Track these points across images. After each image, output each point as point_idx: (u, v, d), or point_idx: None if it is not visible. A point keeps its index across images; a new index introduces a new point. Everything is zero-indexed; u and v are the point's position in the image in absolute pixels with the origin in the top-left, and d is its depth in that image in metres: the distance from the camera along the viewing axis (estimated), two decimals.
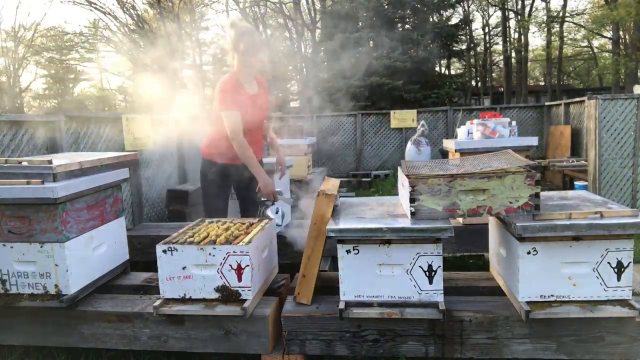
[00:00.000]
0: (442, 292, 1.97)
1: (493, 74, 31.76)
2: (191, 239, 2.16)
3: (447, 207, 1.95)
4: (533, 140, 3.37)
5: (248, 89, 2.69)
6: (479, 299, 2.14)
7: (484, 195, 1.93)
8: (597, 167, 4.98)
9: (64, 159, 2.32)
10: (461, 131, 3.91)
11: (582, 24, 22.74)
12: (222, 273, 2.04)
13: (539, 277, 1.91)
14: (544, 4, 22.50)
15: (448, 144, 3.55)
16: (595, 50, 27.38)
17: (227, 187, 2.83)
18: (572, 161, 6.52)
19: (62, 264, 2.12)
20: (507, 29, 25.18)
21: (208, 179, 2.75)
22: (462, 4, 21.35)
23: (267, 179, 2.60)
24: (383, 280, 1.98)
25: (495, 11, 28.15)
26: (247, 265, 2.03)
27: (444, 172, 2.04)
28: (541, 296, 1.92)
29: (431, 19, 14.88)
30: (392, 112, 10.59)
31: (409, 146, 7.27)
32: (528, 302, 1.91)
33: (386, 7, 14.07)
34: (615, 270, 1.88)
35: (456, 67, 28.17)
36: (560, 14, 21.65)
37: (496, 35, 28.60)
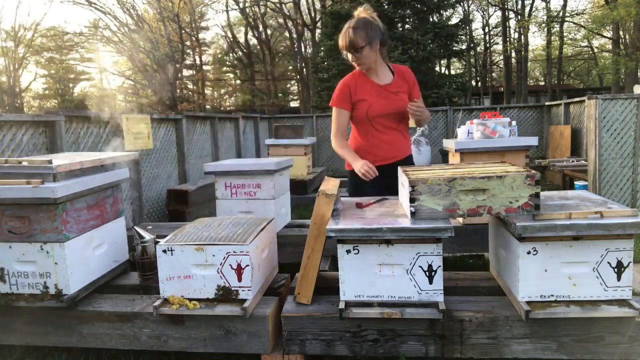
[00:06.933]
0: (442, 292, 1.96)
1: (493, 74, 31.79)
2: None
3: (447, 207, 1.95)
4: (533, 140, 3.36)
5: (376, 80, 2.57)
6: (479, 299, 2.14)
7: (484, 195, 1.93)
8: (597, 167, 4.99)
9: (64, 159, 2.32)
10: (461, 131, 3.91)
11: (582, 24, 22.75)
12: (222, 273, 2.04)
13: (539, 277, 1.91)
14: (544, 4, 22.55)
15: (448, 144, 3.55)
16: (595, 50, 27.40)
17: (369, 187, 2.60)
18: (572, 161, 6.53)
19: (62, 264, 2.12)
20: (507, 29, 25.20)
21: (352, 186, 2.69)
22: (462, 4, 21.35)
23: (359, 163, 2.45)
24: (383, 280, 1.98)
25: (495, 11, 28.21)
26: (247, 265, 2.03)
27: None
28: (541, 296, 1.92)
29: (431, 19, 14.87)
30: None
31: None
32: (528, 302, 1.91)
33: (386, 7, 14.07)
34: (615, 270, 1.88)
35: (456, 67, 28.19)
36: (560, 14, 21.66)
37: (496, 35, 28.64)
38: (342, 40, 2.44)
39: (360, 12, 2.49)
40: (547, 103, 9.97)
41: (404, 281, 1.96)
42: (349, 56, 2.47)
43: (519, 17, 23.22)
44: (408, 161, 2.76)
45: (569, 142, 7.98)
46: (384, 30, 2.51)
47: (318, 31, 23.30)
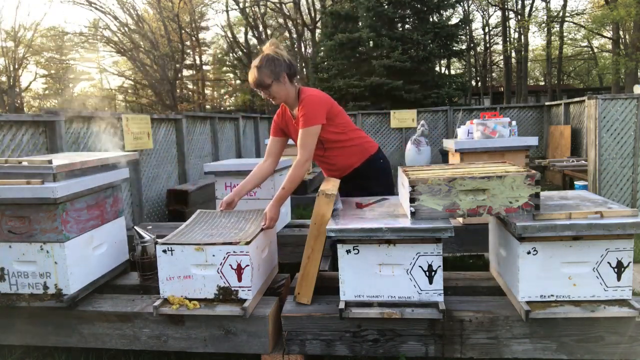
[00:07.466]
0: (442, 292, 1.97)
1: (493, 74, 31.80)
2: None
3: (447, 207, 1.95)
4: (533, 140, 3.37)
5: (292, 113, 2.61)
6: (479, 299, 2.14)
7: (484, 195, 1.93)
8: (597, 167, 4.99)
9: (64, 159, 2.32)
10: (461, 131, 3.91)
11: (582, 24, 22.74)
12: (222, 273, 2.04)
13: (539, 277, 1.91)
14: (544, 4, 22.53)
15: (448, 144, 3.55)
16: (595, 50, 27.40)
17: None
18: (572, 161, 6.52)
19: (62, 264, 2.12)
20: (507, 29, 25.20)
21: None
22: (462, 4, 21.36)
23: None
24: (383, 280, 1.98)
25: (495, 11, 28.23)
26: (247, 265, 2.03)
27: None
28: (541, 296, 1.92)
29: (431, 19, 14.88)
30: (392, 112, 10.60)
31: (409, 146, 7.28)
32: (528, 302, 1.91)
33: (386, 7, 14.08)
34: (615, 270, 1.88)
35: (456, 67, 28.22)
36: (560, 13, 21.66)
37: (496, 35, 28.64)
38: (250, 79, 2.47)
39: (266, 47, 2.47)
40: (547, 103, 9.98)
41: (404, 281, 1.96)
42: (262, 93, 2.48)
43: (519, 17, 23.22)
44: (353, 173, 2.67)
45: (569, 142, 7.99)
46: (291, 62, 2.47)
47: (318, 31, 23.30)
